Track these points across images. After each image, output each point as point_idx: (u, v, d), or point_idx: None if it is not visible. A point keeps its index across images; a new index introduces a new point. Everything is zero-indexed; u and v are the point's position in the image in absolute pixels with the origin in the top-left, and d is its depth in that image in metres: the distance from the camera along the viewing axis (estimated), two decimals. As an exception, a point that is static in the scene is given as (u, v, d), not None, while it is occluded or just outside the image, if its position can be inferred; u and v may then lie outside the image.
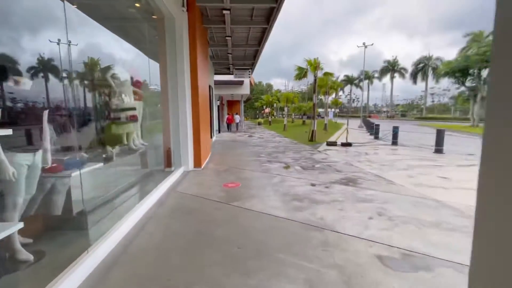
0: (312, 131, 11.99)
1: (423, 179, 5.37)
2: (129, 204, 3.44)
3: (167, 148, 5.64)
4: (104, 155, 3.55)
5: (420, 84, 51.72)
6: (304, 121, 26.98)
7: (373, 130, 17.06)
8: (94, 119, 3.59)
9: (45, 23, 2.72)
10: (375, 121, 25.49)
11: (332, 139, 13.01)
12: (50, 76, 2.68)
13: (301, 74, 11.90)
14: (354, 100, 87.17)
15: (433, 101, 63.45)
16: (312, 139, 11.98)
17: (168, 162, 5.62)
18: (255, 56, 11.20)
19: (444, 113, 57.49)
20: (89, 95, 3.63)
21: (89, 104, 3.57)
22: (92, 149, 3.35)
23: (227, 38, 8.19)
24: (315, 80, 11.91)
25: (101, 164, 3.18)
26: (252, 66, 12.95)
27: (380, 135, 14.48)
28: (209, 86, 11.53)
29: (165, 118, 5.86)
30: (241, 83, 19.75)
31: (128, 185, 4.20)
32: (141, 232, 2.85)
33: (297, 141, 12.66)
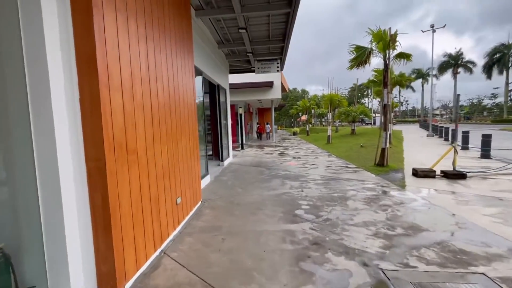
0: (383, 149, 7.26)
1: None
2: None
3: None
4: None
5: (488, 81, 41.79)
6: (353, 130, 21.41)
7: (465, 142, 11.36)
8: None
9: None
10: (442, 126, 18.94)
11: (410, 160, 8.02)
12: None
13: (362, 56, 7.27)
14: (402, 102, 76.68)
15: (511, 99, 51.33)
16: (383, 163, 7.25)
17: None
18: (285, 33, 7.06)
19: (526, 113, 45.55)
20: None
21: None
22: None
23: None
24: (385, 65, 7.21)
25: None
26: (281, 54, 8.82)
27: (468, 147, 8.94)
28: (219, 84, 7.50)
29: None
30: (270, 85, 15.75)
31: None
32: None
33: (355, 164, 8.00)
